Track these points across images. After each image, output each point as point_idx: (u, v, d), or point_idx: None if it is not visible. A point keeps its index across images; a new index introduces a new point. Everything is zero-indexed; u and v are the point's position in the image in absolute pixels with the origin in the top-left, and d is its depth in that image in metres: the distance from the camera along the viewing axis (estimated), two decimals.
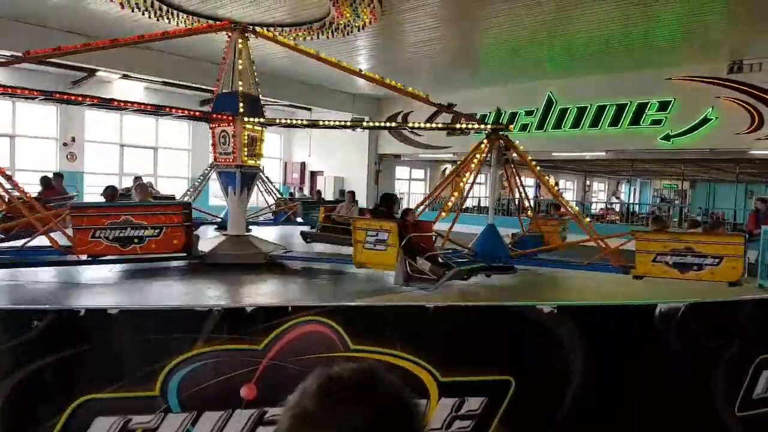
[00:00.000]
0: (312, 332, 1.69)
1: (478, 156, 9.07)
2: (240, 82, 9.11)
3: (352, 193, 12.80)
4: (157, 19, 10.82)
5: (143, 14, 10.53)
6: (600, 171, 30.44)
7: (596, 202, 32.62)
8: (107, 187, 9.14)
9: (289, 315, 1.69)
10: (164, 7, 10.47)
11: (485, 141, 9.14)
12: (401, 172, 23.76)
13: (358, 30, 11.24)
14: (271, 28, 10.87)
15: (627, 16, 10.74)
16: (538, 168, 9.70)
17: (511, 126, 9.99)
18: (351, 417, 0.79)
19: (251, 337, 1.64)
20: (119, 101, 8.89)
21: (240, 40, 9.38)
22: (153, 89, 17.61)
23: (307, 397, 0.82)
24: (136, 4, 10.13)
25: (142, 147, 18.51)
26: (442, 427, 1.86)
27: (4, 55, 12.07)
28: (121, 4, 10.11)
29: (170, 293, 6.72)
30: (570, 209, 9.77)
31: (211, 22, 10.75)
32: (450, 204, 9.62)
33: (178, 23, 11.05)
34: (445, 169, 22.79)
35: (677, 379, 2.08)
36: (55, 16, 11.86)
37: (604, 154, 17.09)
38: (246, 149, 8.97)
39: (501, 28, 11.74)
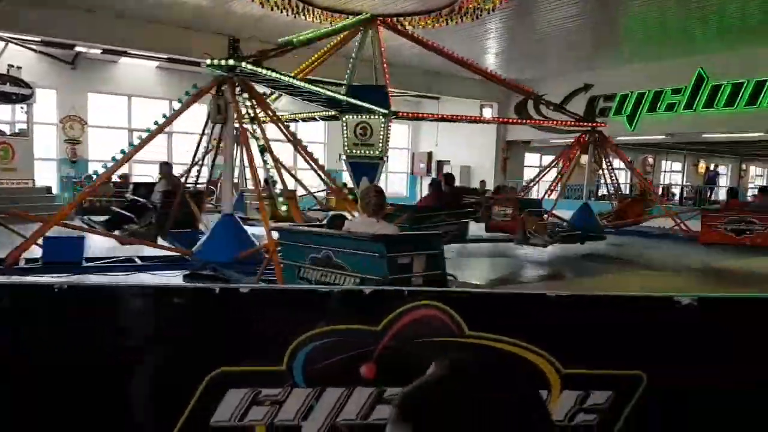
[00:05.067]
0: (428, 316, 1.71)
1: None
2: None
3: None
4: (294, 17, 11.39)
5: (281, 12, 11.13)
6: (760, 154, 27.06)
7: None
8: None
9: (405, 298, 1.72)
10: (300, 5, 11.00)
11: (582, 136, 11.46)
12: (531, 158, 22.96)
13: (488, 13, 10.99)
14: (400, 18, 11.02)
15: None
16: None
17: (603, 124, 12.08)
18: None
19: (370, 318, 1.69)
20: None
21: (370, 33, 9.61)
22: None
23: None
24: (275, 3, 10.77)
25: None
26: (564, 419, 1.80)
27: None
28: (261, 3, 10.80)
29: None
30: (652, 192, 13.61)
31: (344, 16, 11.10)
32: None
33: (313, 19, 11.54)
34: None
35: None
36: (201, 17, 12.89)
37: (763, 134, 15.22)
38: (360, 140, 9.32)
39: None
